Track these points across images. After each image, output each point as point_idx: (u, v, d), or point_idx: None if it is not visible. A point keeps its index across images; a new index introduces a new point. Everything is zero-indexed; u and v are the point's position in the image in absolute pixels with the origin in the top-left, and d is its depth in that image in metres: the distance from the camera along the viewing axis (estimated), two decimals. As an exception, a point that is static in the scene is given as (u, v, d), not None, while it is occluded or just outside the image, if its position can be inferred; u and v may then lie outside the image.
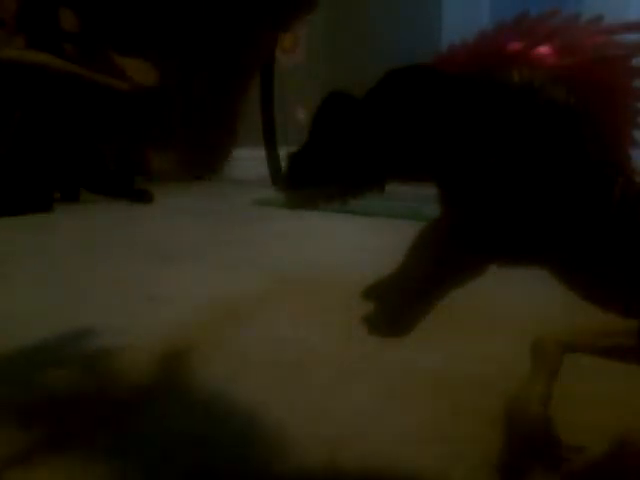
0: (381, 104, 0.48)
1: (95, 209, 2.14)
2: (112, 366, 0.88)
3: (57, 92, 0.58)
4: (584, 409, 0.73)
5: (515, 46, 0.48)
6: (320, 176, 0.49)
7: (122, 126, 0.63)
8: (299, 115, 2.67)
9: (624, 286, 0.52)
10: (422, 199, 1.70)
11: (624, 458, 0.62)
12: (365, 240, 1.66)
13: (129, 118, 0.62)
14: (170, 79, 0.63)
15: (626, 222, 0.50)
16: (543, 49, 0.48)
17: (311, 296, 1.21)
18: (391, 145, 0.48)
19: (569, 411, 0.68)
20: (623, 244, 0.50)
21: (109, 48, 0.62)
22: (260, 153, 3.13)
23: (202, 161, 0.67)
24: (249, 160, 3.05)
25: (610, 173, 0.49)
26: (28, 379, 0.84)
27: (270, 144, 3.10)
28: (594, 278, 0.52)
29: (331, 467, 0.65)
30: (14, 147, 0.67)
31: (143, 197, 2.15)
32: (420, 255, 0.53)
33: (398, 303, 0.53)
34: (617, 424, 0.69)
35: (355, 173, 0.49)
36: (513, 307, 1.09)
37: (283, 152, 3.06)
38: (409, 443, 0.68)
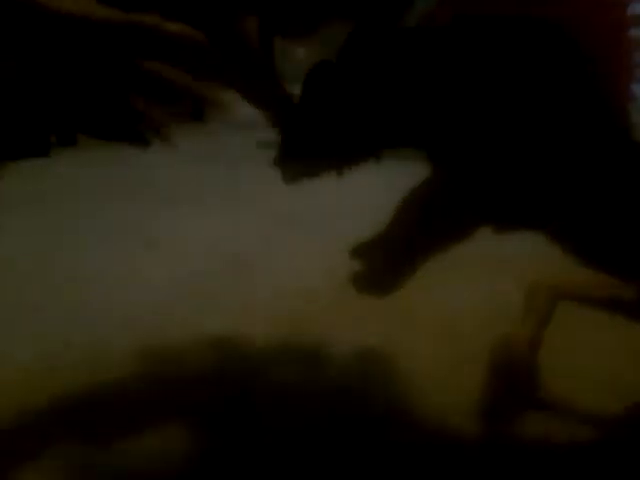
0: (367, 71, 0.46)
1: (93, 153, 2.11)
2: (107, 319, 0.88)
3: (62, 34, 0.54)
4: (573, 356, 0.73)
5: None
6: (314, 147, 0.48)
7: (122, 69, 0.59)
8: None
9: (625, 250, 0.50)
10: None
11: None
12: (365, 184, 1.63)
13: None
14: None
15: (627, 184, 0.48)
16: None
17: (312, 241, 1.20)
18: (382, 112, 0.47)
19: (557, 357, 0.68)
20: (623, 207, 0.49)
21: None
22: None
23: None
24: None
25: (613, 135, 0.47)
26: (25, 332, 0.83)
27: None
28: (595, 243, 0.51)
29: (332, 417, 0.65)
30: (10, 90, 0.64)
31: (141, 140, 2.11)
32: (406, 216, 0.52)
33: (382, 263, 0.53)
34: (607, 372, 0.69)
35: (349, 143, 0.48)
36: (516, 252, 1.08)
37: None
38: (410, 394, 0.69)
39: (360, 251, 0.56)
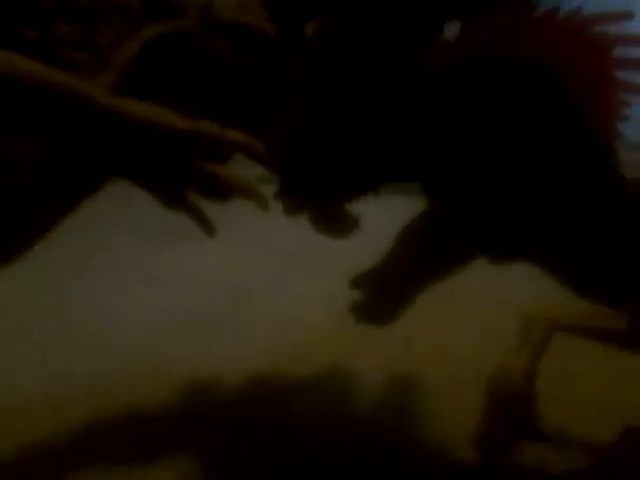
0: (369, 108, 0.48)
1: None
2: (109, 352, 0.88)
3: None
4: (569, 386, 0.74)
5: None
6: (315, 182, 0.49)
7: None
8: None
9: (617, 280, 0.52)
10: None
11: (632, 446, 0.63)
12: (371, 218, 1.65)
13: None
14: None
15: (622, 216, 0.50)
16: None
17: (313, 274, 1.21)
18: (381, 148, 0.48)
19: (553, 387, 0.68)
20: (614, 238, 0.50)
21: None
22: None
23: None
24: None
25: (602, 171, 0.49)
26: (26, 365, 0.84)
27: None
28: (587, 273, 0.52)
29: (331, 446, 0.65)
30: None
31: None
32: (404, 247, 0.53)
33: (380, 292, 0.54)
34: (604, 401, 0.69)
35: (349, 178, 0.49)
36: (515, 285, 1.08)
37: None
38: (409, 421, 0.69)
39: (359, 281, 0.57)
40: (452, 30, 0.48)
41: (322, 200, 0.52)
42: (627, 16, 0.47)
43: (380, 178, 0.51)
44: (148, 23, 0.56)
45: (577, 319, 0.64)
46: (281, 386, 0.78)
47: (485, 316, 0.96)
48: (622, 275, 0.52)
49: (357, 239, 1.30)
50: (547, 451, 0.63)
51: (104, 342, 0.91)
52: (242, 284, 1.16)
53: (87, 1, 0.58)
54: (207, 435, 0.68)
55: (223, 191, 0.56)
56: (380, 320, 0.57)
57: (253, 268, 1.28)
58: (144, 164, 0.55)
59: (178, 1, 0.57)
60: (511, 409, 0.64)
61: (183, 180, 0.57)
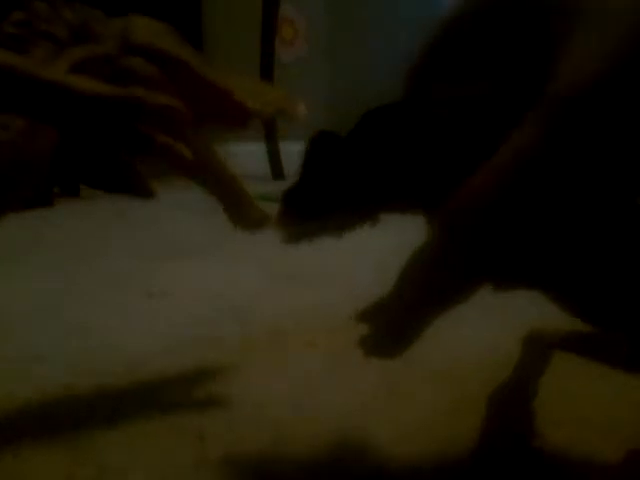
0: (364, 143, 0.48)
1: (95, 204, 2.14)
2: (109, 365, 0.88)
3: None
4: (569, 405, 0.73)
5: None
6: (314, 211, 0.50)
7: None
8: (299, 109, 2.66)
9: (616, 303, 0.52)
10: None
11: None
12: (373, 238, 1.65)
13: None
14: None
15: (622, 241, 0.50)
16: None
17: (312, 292, 1.22)
18: (379, 180, 0.49)
19: (553, 406, 0.68)
20: (618, 263, 0.50)
21: None
22: (260, 147, 3.13)
23: None
24: (249, 155, 3.06)
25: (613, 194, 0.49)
26: (25, 379, 0.83)
27: (270, 139, 3.11)
28: (587, 298, 0.52)
29: (329, 463, 0.65)
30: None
31: (144, 192, 2.15)
32: (411, 278, 0.53)
33: (389, 326, 0.53)
34: (605, 421, 0.69)
35: (348, 207, 0.49)
36: (520, 303, 1.09)
37: (283, 147, 3.07)
38: (408, 441, 0.68)
39: (366, 315, 0.57)
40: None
41: (322, 227, 0.52)
42: None
43: (381, 205, 0.51)
44: (73, 48, 0.63)
45: (577, 338, 0.64)
46: (279, 402, 0.78)
47: (485, 335, 0.96)
48: (620, 298, 0.51)
49: (359, 258, 1.32)
50: (547, 471, 0.63)
51: (103, 356, 0.91)
52: (240, 300, 1.16)
53: (15, 29, 0.62)
54: (206, 450, 0.67)
55: (182, 163, 0.61)
56: (389, 353, 0.56)
57: (251, 284, 1.28)
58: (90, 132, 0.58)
59: (100, 31, 0.64)
60: (511, 428, 0.64)
61: (134, 148, 0.60)
